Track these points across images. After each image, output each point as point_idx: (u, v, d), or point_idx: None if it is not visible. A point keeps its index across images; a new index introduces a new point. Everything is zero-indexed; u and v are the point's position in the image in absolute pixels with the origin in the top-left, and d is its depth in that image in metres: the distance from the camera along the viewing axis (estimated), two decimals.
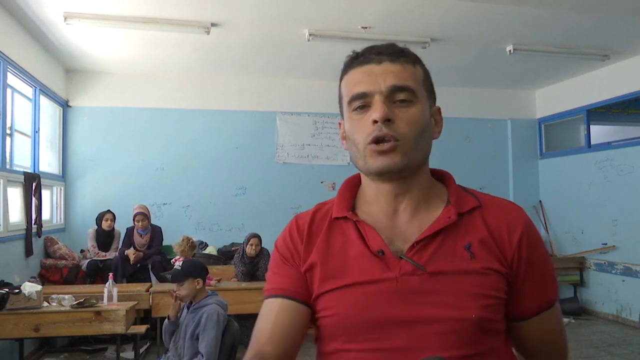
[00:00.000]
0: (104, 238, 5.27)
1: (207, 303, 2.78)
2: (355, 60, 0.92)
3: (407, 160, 0.87)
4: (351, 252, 0.90)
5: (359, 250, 0.89)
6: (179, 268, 2.82)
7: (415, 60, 0.93)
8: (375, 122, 0.86)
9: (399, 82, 0.88)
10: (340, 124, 0.98)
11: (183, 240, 4.52)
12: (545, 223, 6.68)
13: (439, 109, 0.97)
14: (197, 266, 2.87)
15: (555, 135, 6.91)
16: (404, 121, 0.86)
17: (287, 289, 0.92)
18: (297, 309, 0.91)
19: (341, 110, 0.96)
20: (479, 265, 0.86)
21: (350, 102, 0.90)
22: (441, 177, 1.00)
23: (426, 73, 0.95)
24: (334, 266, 0.90)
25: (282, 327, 0.90)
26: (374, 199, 0.94)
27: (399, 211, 0.92)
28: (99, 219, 5.27)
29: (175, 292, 2.80)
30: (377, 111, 0.86)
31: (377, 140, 0.86)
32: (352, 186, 1.00)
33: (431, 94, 0.95)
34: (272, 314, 0.91)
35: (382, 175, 0.89)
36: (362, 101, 0.89)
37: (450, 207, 0.91)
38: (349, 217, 0.93)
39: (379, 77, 0.88)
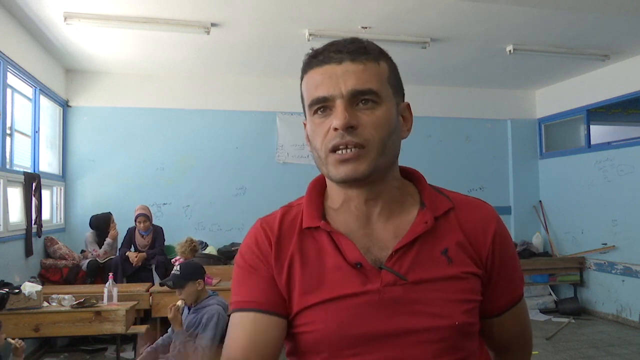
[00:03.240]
0: (104, 240, 5.25)
1: (208, 304, 2.78)
2: (314, 59, 0.86)
3: (374, 167, 0.82)
4: (328, 264, 0.86)
5: (336, 262, 0.85)
6: (178, 273, 2.81)
7: (378, 56, 0.86)
8: (336, 129, 0.81)
9: (361, 85, 0.82)
10: (304, 124, 0.93)
11: (186, 241, 4.48)
12: (545, 223, 6.68)
13: (407, 105, 0.91)
14: (195, 268, 2.88)
15: (555, 135, 6.91)
16: (370, 125, 0.81)
17: (259, 302, 0.86)
18: (272, 322, 0.85)
19: (304, 111, 0.91)
20: (457, 269, 0.85)
21: (310, 105, 0.85)
22: (410, 175, 0.96)
23: (392, 68, 0.88)
24: (310, 280, 0.85)
25: (258, 344, 0.83)
26: (344, 205, 0.89)
27: (373, 216, 0.88)
28: (104, 225, 5.24)
29: (179, 299, 2.79)
30: (337, 119, 0.80)
31: (337, 148, 0.81)
32: (320, 189, 0.95)
33: (398, 91, 0.89)
34: (246, 329, 0.85)
35: (347, 183, 0.84)
36: (323, 104, 0.83)
37: (426, 211, 0.88)
38: (322, 227, 0.88)
39: (339, 79, 0.82)
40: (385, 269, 0.84)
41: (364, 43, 0.86)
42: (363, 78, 0.82)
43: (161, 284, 2.96)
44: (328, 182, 0.93)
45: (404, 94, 0.92)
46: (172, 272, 2.86)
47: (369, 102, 0.83)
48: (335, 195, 0.91)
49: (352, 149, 0.81)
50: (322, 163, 0.86)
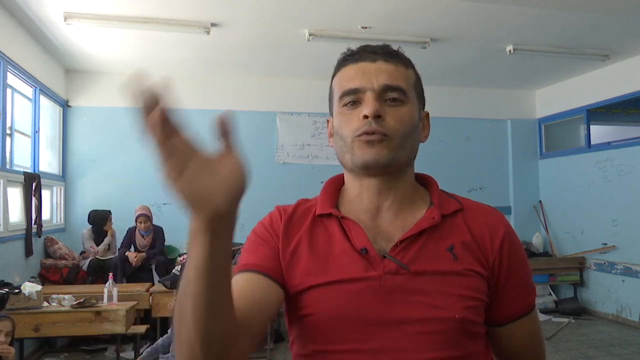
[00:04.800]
0: (101, 237, 5.25)
1: None
2: (350, 57, 0.93)
3: (393, 156, 0.87)
4: (334, 249, 0.89)
5: (343, 247, 0.88)
6: (177, 274, 2.82)
7: (408, 63, 0.95)
8: (365, 117, 0.86)
9: (391, 81, 0.89)
10: (328, 121, 0.98)
11: None
12: (545, 223, 6.68)
13: (427, 114, 0.98)
14: None
15: (555, 135, 6.91)
16: (394, 118, 0.87)
17: (262, 265, 0.88)
18: (270, 285, 0.86)
19: (330, 108, 0.97)
20: (462, 266, 0.86)
21: (341, 97, 0.91)
22: (424, 181, 1.00)
23: (418, 77, 0.96)
24: (316, 262, 0.88)
25: (254, 295, 0.82)
26: (357, 197, 0.93)
27: (383, 210, 0.92)
28: (100, 222, 5.25)
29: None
30: (368, 107, 0.86)
31: (364, 134, 0.86)
32: (335, 185, 0.99)
33: (421, 98, 0.96)
34: (245, 283, 0.84)
35: (368, 169, 0.88)
36: (353, 97, 0.89)
37: (434, 209, 0.91)
38: (334, 213, 0.92)
39: (372, 75, 0.89)
40: (388, 257, 0.86)
41: (396, 50, 0.95)
42: (394, 76, 0.90)
43: (159, 282, 2.97)
44: (346, 176, 0.97)
45: (425, 104, 0.99)
46: (173, 271, 2.87)
47: (396, 100, 0.89)
48: (351, 189, 0.95)
49: (378, 136, 0.86)
50: (347, 150, 0.90)
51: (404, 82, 0.90)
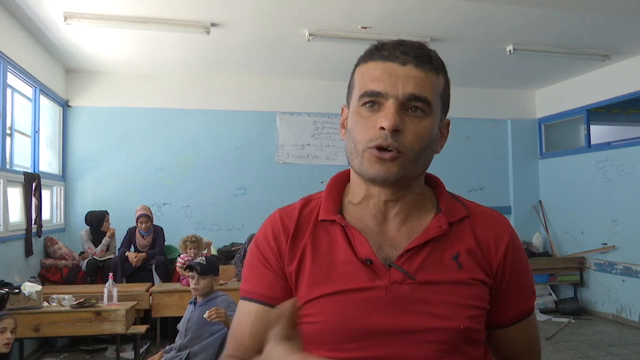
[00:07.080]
0: (100, 237, 5.26)
1: (217, 295, 2.92)
2: (378, 52, 0.86)
3: (404, 172, 0.84)
4: (338, 258, 0.87)
5: (347, 256, 0.87)
6: (204, 264, 2.93)
7: (439, 68, 0.88)
8: (382, 129, 0.81)
9: (418, 91, 0.82)
10: (343, 108, 0.94)
11: (181, 239, 4.71)
12: (545, 223, 6.68)
13: (448, 123, 0.93)
14: (217, 265, 3.10)
15: (555, 135, 6.91)
16: (412, 133, 0.83)
17: (265, 295, 0.89)
18: None
19: (348, 97, 0.92)
20: (466, 275, 0.86)
21: (362, 96, 0.85)
22: (431, 182, 0.98)
23: (447, 84, 0.90)
24: (320, 272, 0.87)
25: (260, 334, 0.84)
26: (362, 201, 0.91)
27: (390, 216, 0.90)
28: (97, 222, 5.26)
29: (193, 286, 2.89)
30: (387, 119, 0.81)
31: (379, 148, 0.82)
32: (340, 183, 0.96)
33: (445, 106, 0.91)
34: (250, 319, 0.90)
35: (375, 182, 0.86)
36: (374, 99, 0.84)
37: (441, 216, 0.90)
38: (337, 220, 0.90)
39: (399, 80, 0.82)
40: (394, 266, 0.85)
41: (430, 52, 0.87)
42: (422, 85, 0.83)
43: (189, 266, 2.99)
44: (352, 176, 0.94)
45: (448, 111, 0.93)
46: (197, 261, 2.96)
47: (419, 110, 0.83)
48: (357, 190, 0.92)
49: (392, 152, 0.82)
50: (357, 155, 0.86)
51: (430, 93, 0.84)
